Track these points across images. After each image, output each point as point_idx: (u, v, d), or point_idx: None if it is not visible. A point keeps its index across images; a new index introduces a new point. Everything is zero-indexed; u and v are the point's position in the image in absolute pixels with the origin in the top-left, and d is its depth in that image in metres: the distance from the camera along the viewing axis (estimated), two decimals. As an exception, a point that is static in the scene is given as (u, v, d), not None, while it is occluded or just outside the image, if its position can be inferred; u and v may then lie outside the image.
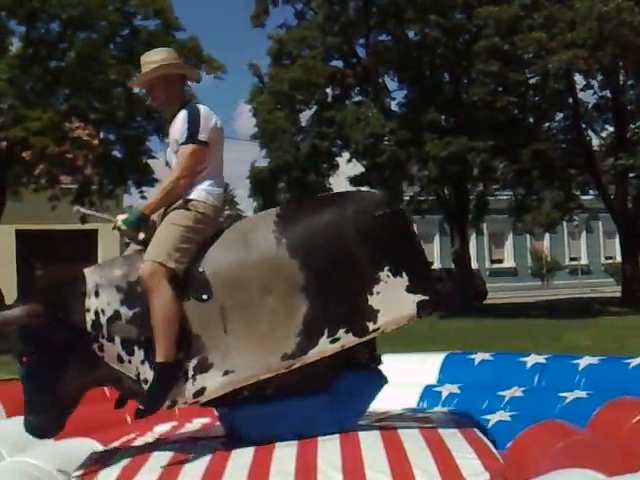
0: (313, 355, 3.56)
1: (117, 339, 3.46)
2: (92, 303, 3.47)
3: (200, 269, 3.54)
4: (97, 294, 3.49)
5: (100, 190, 17.08)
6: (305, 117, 20.69)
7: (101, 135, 17.44)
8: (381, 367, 3.95)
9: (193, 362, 3.49)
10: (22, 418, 4.33)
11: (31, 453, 3.91)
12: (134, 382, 3.51)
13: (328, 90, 20.39)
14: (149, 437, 4.10)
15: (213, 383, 3.50)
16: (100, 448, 4.02)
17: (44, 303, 3.40)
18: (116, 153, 17.05)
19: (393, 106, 20.56)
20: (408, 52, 19.43)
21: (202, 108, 3.74)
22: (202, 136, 3.65)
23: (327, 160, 20.34)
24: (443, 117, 19.00)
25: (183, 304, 3.47)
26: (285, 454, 3.34)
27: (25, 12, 14.48)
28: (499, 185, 22.35)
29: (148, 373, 3.46)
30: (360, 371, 3.78)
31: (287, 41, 19.89)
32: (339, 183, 20.76)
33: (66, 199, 16.81)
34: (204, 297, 3.50)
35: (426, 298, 3.68)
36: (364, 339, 3.64)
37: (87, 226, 18.45)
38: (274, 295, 3.53)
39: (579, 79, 20.19)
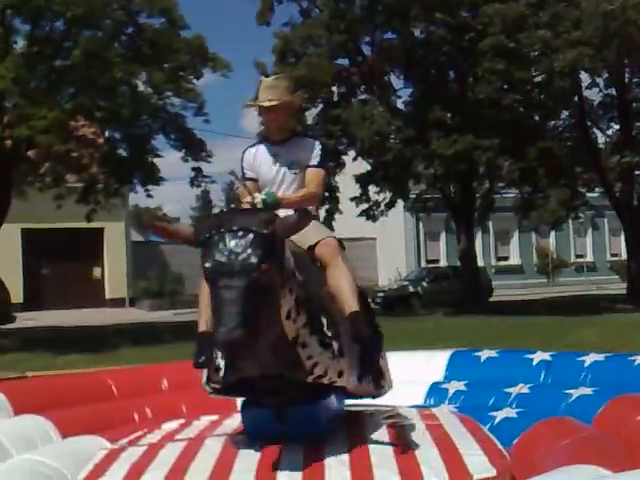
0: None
1: (294, 295, 3.31)
2: (288, 253, 3.33)
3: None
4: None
5: (106, 189, 17.06)
6: (311, 115, 20.68)
7: (106, 134, 17.43)
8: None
9: (336, 344, 3.50)
10: (29, 416, 4.38)
11: (39, 451, 3.93)
12: (289, 345, 3.35)
13: (334, 88, 20.39)
14: (157, 434, 4.12)
15: (346, 372, 3.56)
16: (108, 446, 4.04)
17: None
18: (121, 152, 17.03)
19: (399, 104, 20.57)
20: (414, 50, 19.42)
21: (320, 141, 4.26)
22: (325, 164, 4.21)
23: (333, 158, 20.33)
24: (449, 115, 18.98)
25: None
26: (293, 451, 3.36)
27: (30, 10, 14.46)
28: (505, 183, 22.32)
29: (307, 338, 3.37)
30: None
31: (292, 39, 19.88)
32: (345, 182, 20.79)
33: (71, 198, 16.84)
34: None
35: None
36: None
37: (93, 224, 18.49)
38: None
39: (585, 77, 20.19)
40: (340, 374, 3.53)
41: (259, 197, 3.71)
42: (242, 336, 2.90)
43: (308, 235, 3.65)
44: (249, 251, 3.02)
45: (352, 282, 3.68)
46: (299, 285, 3.36)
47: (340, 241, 3.90)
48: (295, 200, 3.92)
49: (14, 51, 14.75)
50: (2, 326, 16.58)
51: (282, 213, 3.49)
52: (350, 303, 3.62)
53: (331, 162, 20.25)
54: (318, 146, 4.10)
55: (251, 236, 3.06)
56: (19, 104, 13.95)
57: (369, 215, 21.56)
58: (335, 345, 3.47)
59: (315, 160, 4.06)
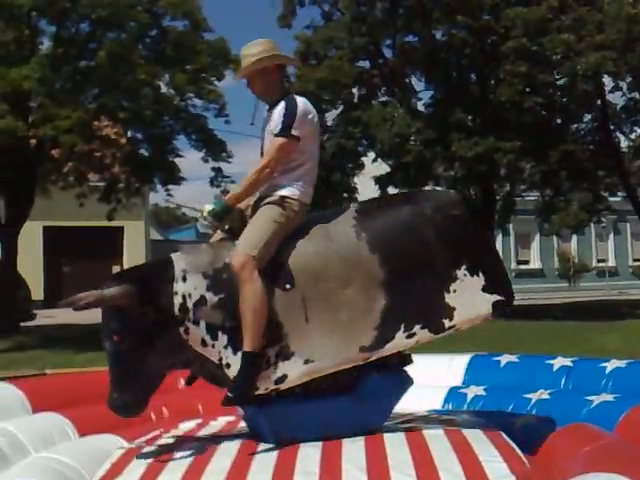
0: (390, 348, 3.65)
1: (202, 323, 3.54)
2: (180, 287, 3.55)
3: (283, 259, 3.62)
4: (184, 279, 3.57)
5: (127, 188, 17.20)
6: (331, 117, 20.69)
7: (129, 134, 17.56)
8: (407, 368, 3.94)
9: (275, 349, 3.56)
10: (47, 414, 4.40)
11: (57, 449, 3.94)
12: (216, 367, 3.58)
13: (354, 90, 20.37)
14: (174, 434, 4.12)
15: (295, 371, 3.57)
16: (125, 445, 4.04)
17: (135, 285, 3.49)
18: (143, 151, 17.15)
19: (419, 106, 20.50)
20: (435, 53, 19.34)
21: (300, 102, 3.80)
22: (295, 131, 3.71)
23: (352, 159, 20.29)
24: (470, 117, 18.90)
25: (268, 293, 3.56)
26: (310, 454, 3.34)
27: (55, 12, 14.59)
28: (526, 186, 22.17)
29: (231, 358, 3.53)
30: (385, 372, 3.77)
31: (314, 42, 19.88)
32: (364, 183, 20.75)
33: (93, 196, 17.00)
34: (287, 286, 3.58)
35: (501, 298, 3.76)
36: (439, 335, 3.72)
37: (113, 223, 18.62)
38: (354, 288, 3.59)
39: (607, 81, 19.96)
40: (280, 379, 3.55)
41: (205, 210, 3.68)
42: (118, 400, 3.51)
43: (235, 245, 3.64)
44: (104, 325, 3.56)
45: (253, 310, 3.46)
46: (212, 308, 3.54)
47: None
48: (243, 191, 3.74)
49: (40, 52, 14.90)
50: (22, 323, 16.72)
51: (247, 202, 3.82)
52: (246, 339, 3.46)
53: (350, 163, 20.25)
54: (282, 110, 3.73)
55: (107, 310, 3.54)
56: (44, 104, 14.10)
57: (389, 217, 21.46)
58: (271, 351, 3.54)
59: (277, 128, 3.71)
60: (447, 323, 3.68)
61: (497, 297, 3.75)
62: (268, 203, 3.72)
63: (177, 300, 3.53)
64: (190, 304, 3.54)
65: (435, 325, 3.67)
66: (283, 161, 3.74)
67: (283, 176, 3.78)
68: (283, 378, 3.57)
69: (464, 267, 3.68)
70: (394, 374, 3.81)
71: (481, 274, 3.71)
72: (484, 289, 3.71)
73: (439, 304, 3.65)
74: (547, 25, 17.47)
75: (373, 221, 3.72)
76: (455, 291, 3.66)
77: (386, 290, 3.59)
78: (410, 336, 3.64)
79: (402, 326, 3.62)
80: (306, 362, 3.56)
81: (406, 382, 3.87)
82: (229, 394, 3.49)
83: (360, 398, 3.71)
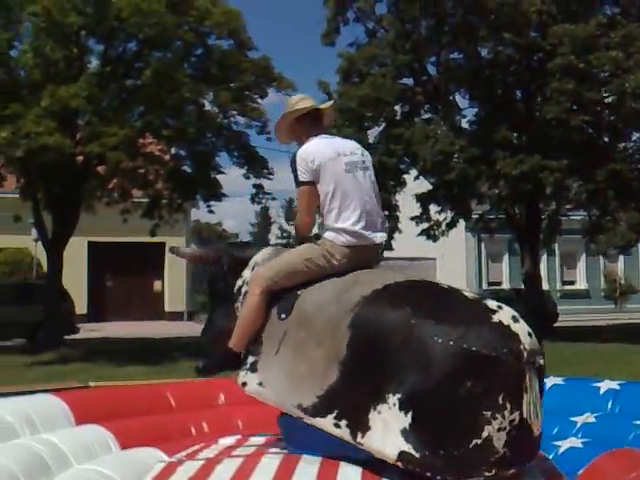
0: (316, 423, 3.53)
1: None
2: (246, 273, 4.09)
3: (298, 293, 3.75)
4: (252, 269, 4.07)
5: (169, 204, 17.41)
6: (373, 134, 20.67)
7: (172, 151, 17.79)
8: None
9: (250, 359, 3.87)
10: (90, 426, 4.43)
11: (99, 461, 3.97)
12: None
13: (397, 107, 20.35)
14: (214, 449, 4.12)
15: (251, 385, 3.86)
16: (166, 459, 4.05)
17: (216, 255, 4.26)
18: (186, 168, 17.35)
19: (463, 123, 20.38)
20: (480, 70, 19.25)
21: (300, 150, 3.87)
22: (303, 177, 3.81)
23: (394, 177, 20.24)
24: (515, 135, 18.72)
25: (268, 313, 3.81)
26: (351, 473, 3.30)
27: (104, 31, 14.91)
28: (572, 205, 21.85)
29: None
30: None
31: (357, 59, 19.94)
32: (405, 200, 20.66)
33: (137, 213, 17.22)
34: (282, 316, 3.75)
35: (411, 453, 3.15)
36: (351, 442, 3.40)
37: (155, 239, 18.87)
38: (322, 350, 3.55)
39: (656, 98, 19.63)
40: (243, 384, 3.94)
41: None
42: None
43: None
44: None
45: (244, 318, 3.85)
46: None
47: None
48: (297, 236, 4.13)
49: (88, 70, 15.18)
50: (66, 336, 16.98)
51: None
52: (232, 337, 3.89)
53: (391, 180, 20.19)
54: (292, 165, 3.87)
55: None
56: (92, 122, 14.35)
57: (429, 235, 21.36)
58: (248, 358, 3.90)
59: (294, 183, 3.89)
60: (359, 438, 3.35)
61: (408, 449, 3.16)
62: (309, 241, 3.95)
63: (239, 282, 4.09)
64: (243, 290, 4.03)
65: (354, 433, 3.38)
66: (310, 210, 3.86)
67: (325, 223, 3.88)
68: (244, 384, 3.89)
69: (398, 396, 3.21)
70: None
71: (409, 415, 3.17)
72: (402, 432, 3.18)
73: (364, 415, 3.33)
74: (595, 42, 17.27)
75: (378, 308, 3.44)
76: (380, 413, 3.27)
77: (341, 370, 3.44)
78: (336, 425, 3.42)
79: (335, 411, 3.44)
80: (259, 384, 3.80)
81: None
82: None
83: None
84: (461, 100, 21.00)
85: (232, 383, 5.69)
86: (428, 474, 3.11)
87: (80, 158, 15.47)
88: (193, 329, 23.11)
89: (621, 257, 32.60)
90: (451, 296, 3.45)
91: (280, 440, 4.15)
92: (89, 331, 20.10)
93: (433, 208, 20.94)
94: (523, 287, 21.87)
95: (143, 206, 17.41)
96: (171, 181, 16.98)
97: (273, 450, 3.96)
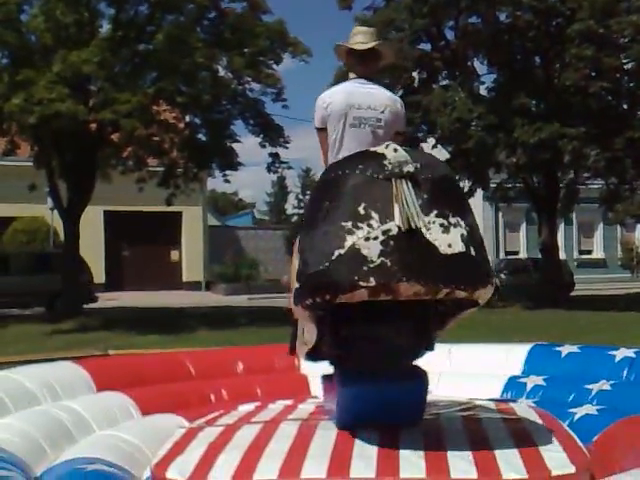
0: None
1: None
2: None
3: None
4: None
5: (185, 173, 17.33)
6: (390, 102, 20.44)
7: (187, 119, 17.66)
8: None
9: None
10: (111, 393, 4.51)
11: (120, 427, 4.04)
12: None
13: (414, 74, 20.13)
14: (234, 416, 4.17)
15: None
16: (186, 424, 4.12)
17: None
18: (201, 136, 17.23)
19: (482, 90, 20.14)
20: (499, 35, 18.95)
21: (321, 95, 3.97)
22: (317, 124, 3.93)
23: (412, 145, 20.08)
24: (534, 102, 18.48)
25: None
26: (368, 438, 3.34)
27: (115, -6, 14.70)
28: (590, 174, 21.64)
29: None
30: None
31: (374, 23, 19.63)
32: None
33: (152, 182, 17.16)
34: None
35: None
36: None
37: (172, 208, 18.84)
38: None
39: (677, 65, 19.30)
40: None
41: None
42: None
43: None
44: None
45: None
46: None
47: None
48: None
49: (99, 35, 14.99)
50: (85, 305, 17.12)
51: None
52: None
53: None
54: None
55: None
56: (104, 88, 14.18)
57: (447, 204, 21.21)
58: None
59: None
60: None
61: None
62: None
63: None
64: None
65: None
66: (324, 151, 3.94)
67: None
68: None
69: None
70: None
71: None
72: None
73: None
74: (615, 7, 16.97)
75: None
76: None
77: None
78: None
79: None
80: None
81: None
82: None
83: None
84: (479, 66, 20.77)
85: (250, 351, 5.79)
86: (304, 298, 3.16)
87: (94, 125, 15.32)
88: (211, 299, 23.33)
89: (638, 226, 32.38)
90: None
91: (299, 407, 4.20)
92: (107, 300, 20.26)
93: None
94: (540, 256, 21.80)
95: (159, 175, 17.32)
96: (186, 149, 16.85)
97: (292, 417, 4.01)
